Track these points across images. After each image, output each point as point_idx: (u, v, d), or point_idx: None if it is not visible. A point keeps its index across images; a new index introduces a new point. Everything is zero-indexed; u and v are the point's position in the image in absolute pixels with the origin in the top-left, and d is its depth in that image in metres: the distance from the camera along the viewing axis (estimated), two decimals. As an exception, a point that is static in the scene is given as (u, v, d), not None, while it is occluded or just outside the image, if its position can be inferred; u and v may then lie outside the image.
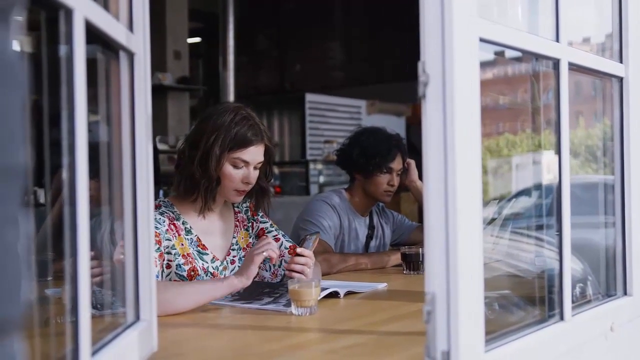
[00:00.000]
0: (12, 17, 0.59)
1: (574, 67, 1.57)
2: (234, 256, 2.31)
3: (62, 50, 1.00)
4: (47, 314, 1.36)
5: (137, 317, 1.37)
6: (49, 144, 1.01)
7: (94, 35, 1.10)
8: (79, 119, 1.00)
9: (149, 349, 1.40)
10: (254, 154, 2.19)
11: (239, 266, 2.27)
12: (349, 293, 2.18)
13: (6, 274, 0.54)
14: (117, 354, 1.19)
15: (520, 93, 1.97)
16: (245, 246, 2.35)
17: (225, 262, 2.27)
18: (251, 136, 2.17)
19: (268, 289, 2.14)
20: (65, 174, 1.00)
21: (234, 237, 2.33)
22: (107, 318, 1.39)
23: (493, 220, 1.91)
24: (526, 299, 1.69)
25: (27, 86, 0.60)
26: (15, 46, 0.60)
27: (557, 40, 1.51)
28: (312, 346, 1.60)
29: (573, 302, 1.54)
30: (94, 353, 1.08)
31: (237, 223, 2.36)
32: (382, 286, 2.34)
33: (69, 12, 0.99)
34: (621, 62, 1.80)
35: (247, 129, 2.16)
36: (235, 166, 2.17)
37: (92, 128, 1.08)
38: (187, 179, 2.19)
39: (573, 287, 1.58)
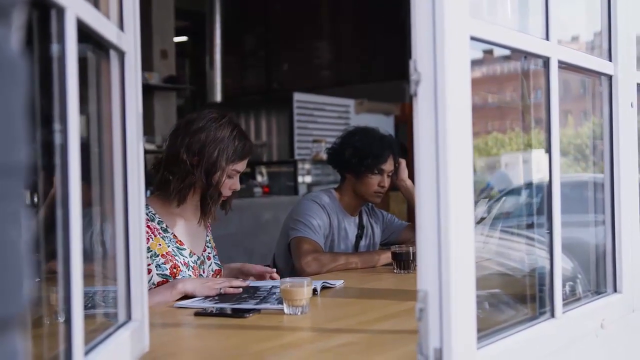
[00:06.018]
0: (14, 16, 0.59)
1: (563, 65, 1.58)
2: (208, 252, 2.41)
3: (54, 48, 1.00)
4: (38, 314, 1.35)
5: (129, 317, 1.36)
6: (40, 144, 1.00)
7: (84, 34, 1.09)
8: (72, 118, 1.00)
9: (140, 348, 1.39)
10: (245, 164, 2.32)
11: (215, 262, 2.40)
12: (324, 288, 2.23)
13: (9, 271, 0.54)
14: (109, 354, 1.18)
15: (509, 92, 1.97)
16: (213, 246, 2.45)
17: (202, 257, 2.35)
18: (249, 149, 2.29)
19: (247, 293, 2.12)
20: (57, 175, 0.99)
21: (207, 236, 2.43)
22: (99, 318, 1.38)
23: (483, 219, 1.92)
24: (517, 297, 1.69)
25: (27, 84, 0.60)
26: (16, 45, 0.60)
27: (547, 38, 1.52)
28: (305, 345, 1.60)
29: (563, 299, 1.55)
30: (87, 353, 1.08)
31: (208, 224, 2.45)
32: (339, 283, 2.35)
33: (60, 11, 0.98)
34: (610, 60, 1.81)
35: (245, 143, 2.28)
36: (230, 176, 2.27)
37: (81, 128, 1.08)
38: (187, 188, 2.23)
39: (563, 286, 1.59)
